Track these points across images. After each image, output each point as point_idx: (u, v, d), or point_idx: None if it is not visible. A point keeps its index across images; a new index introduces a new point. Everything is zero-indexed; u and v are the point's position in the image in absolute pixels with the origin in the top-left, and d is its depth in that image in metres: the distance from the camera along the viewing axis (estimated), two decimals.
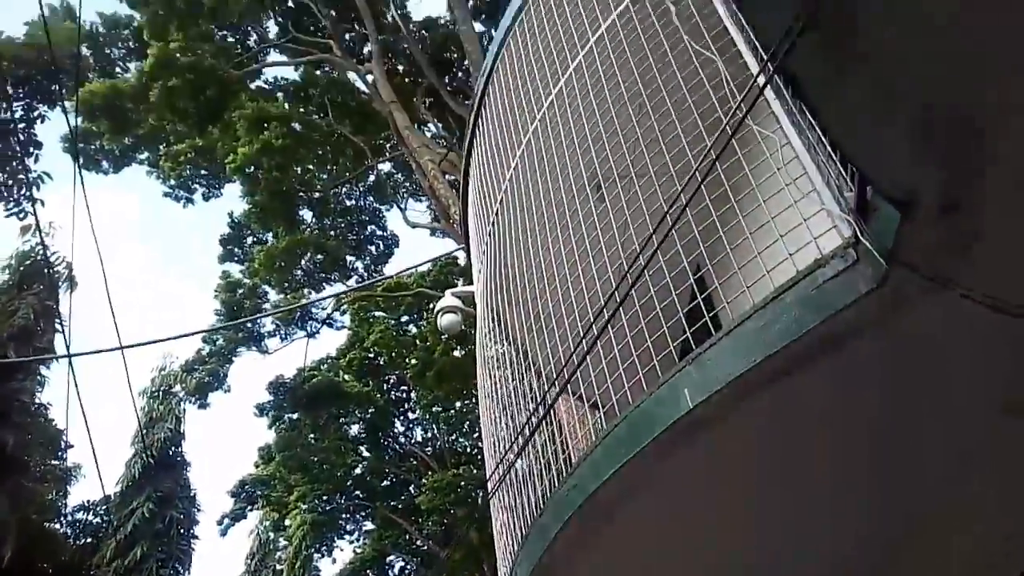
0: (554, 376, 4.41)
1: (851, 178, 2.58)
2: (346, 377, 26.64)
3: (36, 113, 11.78)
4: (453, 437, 29.28)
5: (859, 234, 2.46)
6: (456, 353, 23.06)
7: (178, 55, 18.48)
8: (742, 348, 2.70)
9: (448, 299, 8.12)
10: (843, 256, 2.50)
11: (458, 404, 26.92)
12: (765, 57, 1.78)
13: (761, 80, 1.85)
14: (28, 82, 11.24)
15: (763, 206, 2.92)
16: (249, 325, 25.84)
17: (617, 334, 3.50)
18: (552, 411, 4.32)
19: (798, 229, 2.75)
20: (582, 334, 3.56)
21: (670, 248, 3.29)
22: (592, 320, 3.40)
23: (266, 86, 23.66)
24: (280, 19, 22.58)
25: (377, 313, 26.17)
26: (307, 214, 24.35)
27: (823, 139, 2.75)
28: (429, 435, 29.98)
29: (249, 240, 25.43)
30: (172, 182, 23.62)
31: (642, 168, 4.04)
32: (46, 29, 9.79)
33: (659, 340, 3.37)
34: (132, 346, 8.03)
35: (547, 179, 4.96)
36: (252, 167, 19.69)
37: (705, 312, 3.06)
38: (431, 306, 24.07)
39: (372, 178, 25.16)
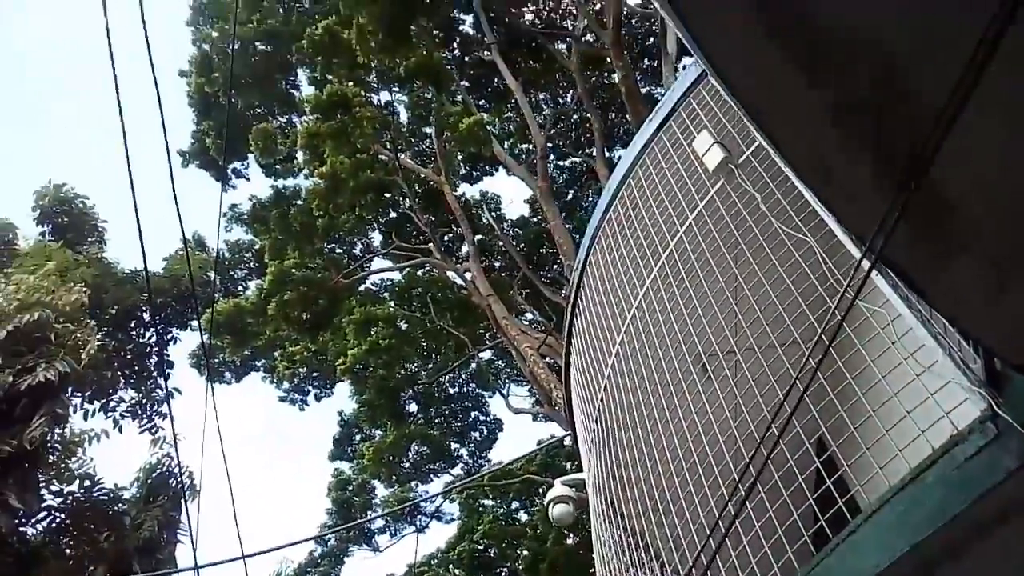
0: (681, 570, 4.18)
1: (974, 348, 2.50)
2: (457, 572, 25.71)
3: (169, 336, 12.89)
4: None
5: (995, 406, 2.34)
6: (569, 542, 22.05)
7: (293, 271, 20.15)
8: (885, 536, 2.52)
9: (559, 488, 7.94)
10: (982, 430, 2.37)
11: None
12: (864, 247, 1.83)
13: (865, 265, 1.89)
14: (164, 309, 12.44)
15: (883, 382, 2.84)
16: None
17: (744, 523, 3.33)
18: None
19: (926, 403, 2.64)
20: (708, 528, 3.40)
21: (791, 427, 3.20)
22: (718, 512, 3.26)
23: (372, 288, 25.30)
24: (383, 229, 24.52)
25: (485, 502, 25.66)
26: (412, 406, 24.90)
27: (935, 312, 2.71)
28: None
29: (358, 437, 26.00)
30: (287, 385, 24.87)
31: (746, 345, 4.04)
32: (188, 262, 10.97)
33: (791, 527, 3.19)
34: (254, 555, 8.13)
35: (650, 360, 4.98)
36: (360, 366, 20.59)
37: (837, 496, 2.90)
38: (540, 491, 23.47)
39: (473, 366, 25.70)
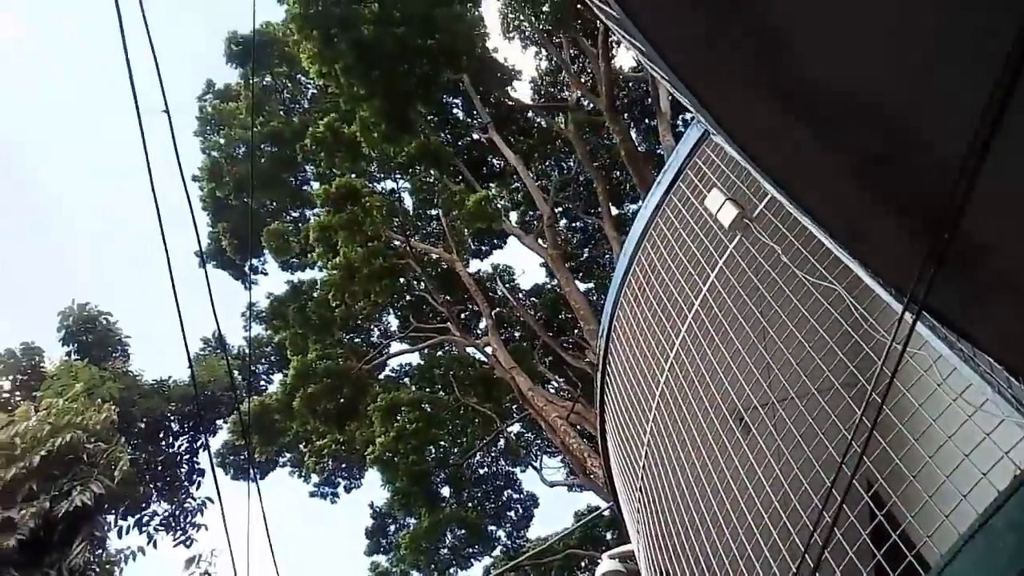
0: None
1: None
2: None
3: (199, 443, 12.89)
4: None
5: None
6: None
7: (314, 363, 20.23)
8: None
9: (607, 564, 7.72)
10: None
11: None
12: (904, 299, 1.84)
13: (908, 317, 1.89)
14: (193, 417, 12.49)
15: (935, 425, 2.79)
16: None
17: None
18: None
19: (983, 444, 2.59)
20: None
21: (846, 479, 3.13)
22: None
23: (392, 374, 25.26)
24: (400, 313, 24.68)
25: None
26: (445, 490, 24.50)
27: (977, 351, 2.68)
28: None
29: (392, 527, 25.51)
30: (316, 479, 24.60)
31: (784, 396, 4.00)
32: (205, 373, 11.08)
33: None
34: None
35: (688, 419, 4.94)
36: (389, 454, 20.39)
37: (906, 550, 2.81)
38: (583, 565, 22.79)
39: (502, 443, 25.39)
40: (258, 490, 6.57)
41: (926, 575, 2.57)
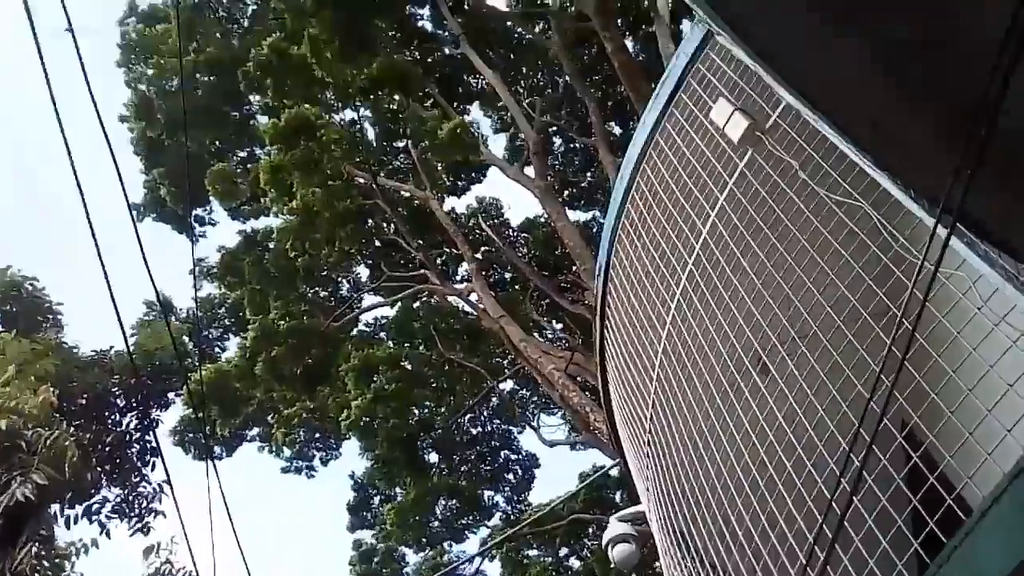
0: None
1: None
2: None
3: (149, 419, 12.93)
4: None
5: None
6: None
7: (278, 323, 20.23)
8: (1009, 532, 2.48)
9: (616, 526, 7.86)
10: None
11: None
12: (938, 208, 1.82)
13: (942, 231, 1.88)
14: (140, 389, 12.50)
15: (975, 354, 2.82)
16: None
17: (842, 537, 3.30)
18: None
19: None
20: (801, 551, 3.36)
21: (877, 420, 3.17)
22: (811, 531, 3.23)
23: (367, 329, 25.34)
24: (369, 261, 24.60)
25: (530, 552, 25.47)
26: (432, 456, 24.81)
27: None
28: None
29: (376, 500, 25.91)
30: (288, 453, 24.86)
31: (807, 332, 4.01)
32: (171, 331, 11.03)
33: (896, 536, 3.15)
34: None
35: (700, 364, 4.97)
36: (367, 419, 20.57)
37: (944, 493, 2.86)
38: (590, 531, 23.31)
39: (495, 400, 25.63)
40: (214, 468, 6.60)
41: (968, 519, 2.62)
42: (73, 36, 3.98)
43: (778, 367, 4.22)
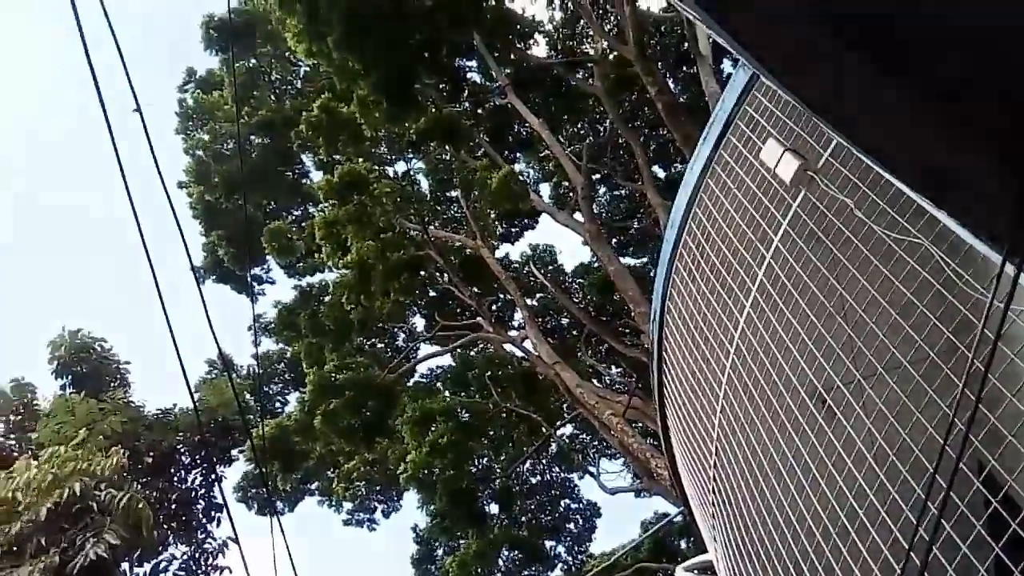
0: None
1: None
2: None
3: (214, 475, 13.12)
4: None
5: None
6: None
7: (334, 375, 20.45)
8: None
9: None
10: None
11: None
12: (1003, 249, 1.79)
13: (1010, 270, 1.84)
14: (204, 446, 12.73)
15: None
16: None
17: None
18: None
19: None
20: None
21: (952, 461, 3.07)
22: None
23: (423, 380, 25.46)
24: (424, 311, 24.84)
25: None
26: (492, 507, 24.64)
27: None
28: None
29: (440, 552, 25.75)
30: (349, 506, 24.95)
31: (874, 373, 3.93)
32: (235, 388, 11.26)
33: None
34: None
35: (761, 406, 4.88)
36: (425, 471, 20.56)
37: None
38: None
39: (553, 448, 25.45)
40: (279, 522, 6.66)
41: None
42: (141, 116, 4.16)
43: (843, 409, 4.13)
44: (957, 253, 3.21)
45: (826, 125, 2.10)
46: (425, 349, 25.34)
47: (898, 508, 3.39)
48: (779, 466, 4.53)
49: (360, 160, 19.48)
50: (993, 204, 1.89)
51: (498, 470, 24.66)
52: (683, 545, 21.57)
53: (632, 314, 18.70)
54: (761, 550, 4.82)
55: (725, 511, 5.56)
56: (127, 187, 3.95)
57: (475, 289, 22.42)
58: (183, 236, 4.88)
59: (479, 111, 23.66)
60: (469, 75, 23.46)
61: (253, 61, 23.70)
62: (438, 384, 25.35)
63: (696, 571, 7.69)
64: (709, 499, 5.99)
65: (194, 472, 13.18)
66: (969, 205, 1.88)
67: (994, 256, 1.89)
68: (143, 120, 4.18)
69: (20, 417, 12.68)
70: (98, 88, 3.65)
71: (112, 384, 13.56)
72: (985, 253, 1.98)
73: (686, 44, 19.18)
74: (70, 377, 13.42)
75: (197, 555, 12.36)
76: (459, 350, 24.02)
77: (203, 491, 13.10)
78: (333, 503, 25.16)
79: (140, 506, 9.15)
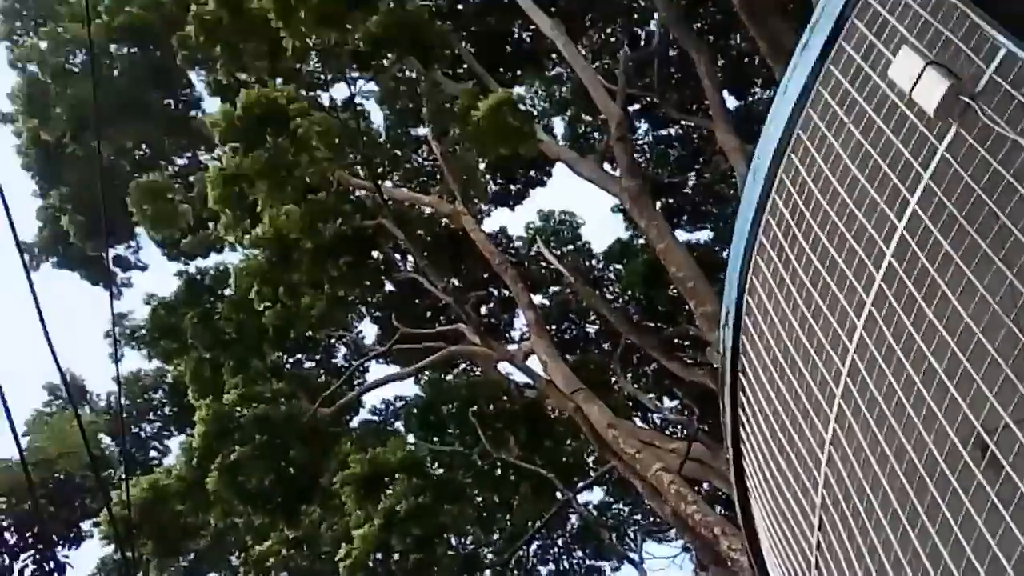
0: None
1: None
2: None
3: (51, 565, 13.20)
4: None
5: None
6: None
7: (238, 410, 20.45)
8: None
9: None
10: None
11: None
12: None
13: None
14: (39, 520, 12.79)
15: None
16: None
17: None
18: None
19: None
20: None
21: None
22: None
23: (374, 417, 25.53)
24: (376, 312, 24.84)
25: None
26: None
27: None
28: None
29: None
30: None
31: None
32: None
33: None
34: None
35: (891, 458, 4.91)
36: (379, 555, 20.59)
37: None
38: None
39: (574, 520, 25.57)
40: None
41: None
42: None
43: (1015, 460, 4.15)
44: None
45: (990, 25, 2.10)
46: (377, 371, 25.36)
47: None
48: (915, 542, 4.56)
49: (279, 82, 19.41)
50: None
51: (489, 554, 24.73)
52: None
53: (694, 316, 18.70)
54: None
55: None
56: None
57: (454, 281, 22.44)
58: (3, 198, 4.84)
59: (459, 6, 23.63)
60: None
61: None
62: (396, 423, 25.42)
63: None
64: None
65: (23, 559, 13.24)
66: None
67: None
68: None
69: None
70: None
71: None
72: None
73: None
74: None
75: None
76: (428, 372, 24.01)
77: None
78: None
79: None
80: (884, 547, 4.85)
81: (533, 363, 20.82)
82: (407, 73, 22.31)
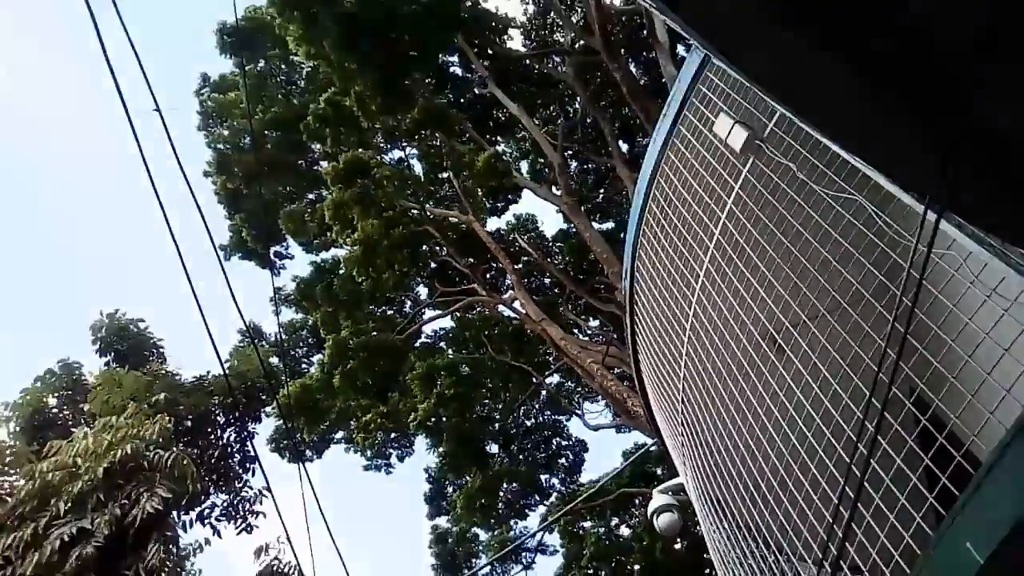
0: (806, 556, 4.07)
1: None
2: None
3: (246, 432, 13.14)
4: None
5: None
6: (678, 546, 21.64)
7: (350, 340, 20.43)
8: (1014, 481, 2.41)
9: (659, 499, 7.81)
10: None
11: None
12: (925, 202, 1.79)
13: (932, 217, 1.84)
14: (236, 407, 12.72)
15: (971, 324, 2.75)
16: (466, 572, 25.67)
17: (863, 496, 3.23)
18: None
19: (1022, 337, 2.54)
20: (826, 509, 3.30)
21: (888, 388, 3.10)
22: (835, 492, 3.17)
23: (428, 340, 25.52)
24: (425, 280, 24.78)
25: (585, 524, 25.37)
26: (493, 447, 24.86)
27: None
28: None
29: (450, 489, 26.00)
30: (368, 453, 25.09)
31: (818, 315, 3.95)
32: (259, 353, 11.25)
33: (912, 492, 3.08)
34: None
35: (721, 348, 4.91)
36: (432, 419, 20.67)
37: (953, 451, 2.79)
38: (636, 502, 23.11)
39: (544, 395, 25.61)
40: (306, 472, 6.70)
41: (977, 472, 2.55)
42: (160, 113, 4.10)
43: (792, 347, 4.15)
44: (887, 206, 3.21)
45: (770, 98, 2.09)
46: (428, 313, 25.33)
47: (840, 430, 3.43)
48: (737, 398, 4.58)
49: (362, 148, 19.26)
50: (918, 161, 1.89)
51: (496, 415, 24.82)
52: (659, 471, 21.82)
53: (606, 273, 18.70)
54: (724, 471, 4.89)
55: (692, 439, 5.63)
56: (151, 179, 3.91)
57: (470, 259, 22.37)
58: (203, 217, 4.85)
59: (462, 101, 23.41)
60: (452, 68, 23.22)
61: (263, 63, 23.34)
62: (441, 344, 25.39)
63: (670, 492, 7.80)
64: (678, 430, 6.06)
65: (229, 430, 13.19)
66: (898, 166, 1.88)
67: (918, 207, 1.89)
68: (162, 115, 4.12)
69: (71, 392, 12.63)
70: (122, 97, 3.59)
71: (151, 358, 13.50)
72: (911, 204, 1.98)
73: (645, 31, 18.95)
74: (112, 354, 13.35)
75: (236, 502, 12.43)
76: (458, 313, 24.00)
77: (238, 446, 13.13)
78: (356, 450, 25.29)
79: (184, 463, 9.22)
80: (720, 401, 4.86)
81: (517, 305, 20.84)
82: (436, 141, 22.12)
